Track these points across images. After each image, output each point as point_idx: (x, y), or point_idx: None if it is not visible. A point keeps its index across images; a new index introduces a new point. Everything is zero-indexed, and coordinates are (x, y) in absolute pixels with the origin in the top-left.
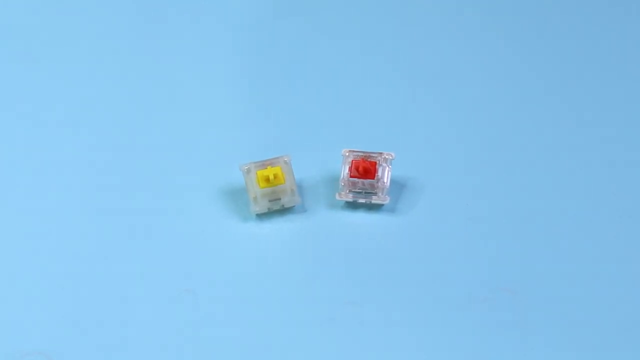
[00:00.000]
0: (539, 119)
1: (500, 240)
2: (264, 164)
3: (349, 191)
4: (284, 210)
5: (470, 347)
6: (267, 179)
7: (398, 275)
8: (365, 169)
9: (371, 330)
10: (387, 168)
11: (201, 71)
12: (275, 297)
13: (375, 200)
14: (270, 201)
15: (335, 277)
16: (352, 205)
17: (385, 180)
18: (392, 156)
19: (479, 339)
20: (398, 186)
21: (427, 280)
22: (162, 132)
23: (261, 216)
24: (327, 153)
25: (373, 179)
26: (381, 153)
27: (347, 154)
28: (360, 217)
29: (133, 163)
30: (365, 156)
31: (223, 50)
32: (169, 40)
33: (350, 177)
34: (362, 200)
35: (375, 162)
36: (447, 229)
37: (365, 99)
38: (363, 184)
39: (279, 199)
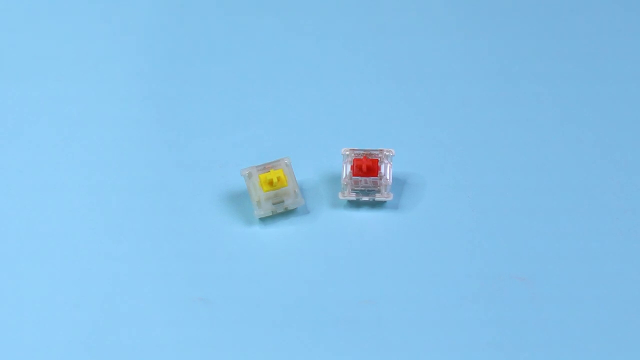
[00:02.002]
0: (537, 109)
1: (506, 229)
2: (265, 168)
3: (352, 190)
4: (287, 213)
5: (487, 337)
6: (271, 182)
7: (408, 271)
8: (368, 167)
9: (388, 327)
10: (389, 164)
11: (194, 75)
12: (288, 300)
13: (379, 197)
14: (273, 204)
15: (347, 276)
16: (355, 204)
17: (388, 177)
18: (392, 152)
19: (496, 328)
20: (399, 182)
21: (438, 274)
22: (157, 141)
23: (265, 220)
24: (324, 153)
25: (376, 176)
26: (381, 150)
27: (347, 152)
28: (365, 215)
29: (131, 176)
30: (366, 154)
31: (215, 53)
32: (161, 44)
33: (354, 175)
34: (365, 199)
35: (377, 160)
36: (452, 222)
37: (356, 97)
38: (366, 181)
39: (282, 201)
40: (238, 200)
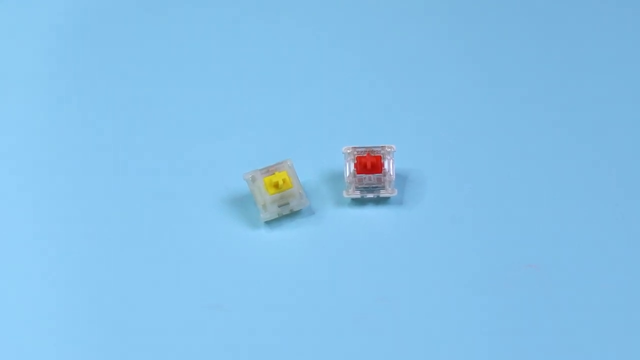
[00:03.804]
0: (536, 102)
1: (511, 219)
2: (268, 170)
3: (356, 188)
4: (292, 215)
5: (502, 326)
6: (276, 185)
7: (419, 266)
8: (372, 164)
9: (405, 322)
10: (391, 160)
11: (191, 78)
12: (303, 301)
13: (383, 193)
14: (279, 207)
15: (358, 274)
16: (359, 202)
17: (392, 173)
18: (393, 148)
19: (510, 316)
20: (400, 178)
21: (450, 267)
22: (157, 147)
23: (270, 223)
24: (323, 153)
25: (380, 172)
26: (383, 146)
27: (349, 151)
28: (370, 213)
29: (133, 182)
30: (368, 151)
31: (212, 55)
32: (161, 45)
33: (358, 173)
34: (370, 196)
35: (380, 156)
36: (458, 214)
37: (352, 97)
38: (370, 179)
39: (288, 203)
40: (240, 205)
